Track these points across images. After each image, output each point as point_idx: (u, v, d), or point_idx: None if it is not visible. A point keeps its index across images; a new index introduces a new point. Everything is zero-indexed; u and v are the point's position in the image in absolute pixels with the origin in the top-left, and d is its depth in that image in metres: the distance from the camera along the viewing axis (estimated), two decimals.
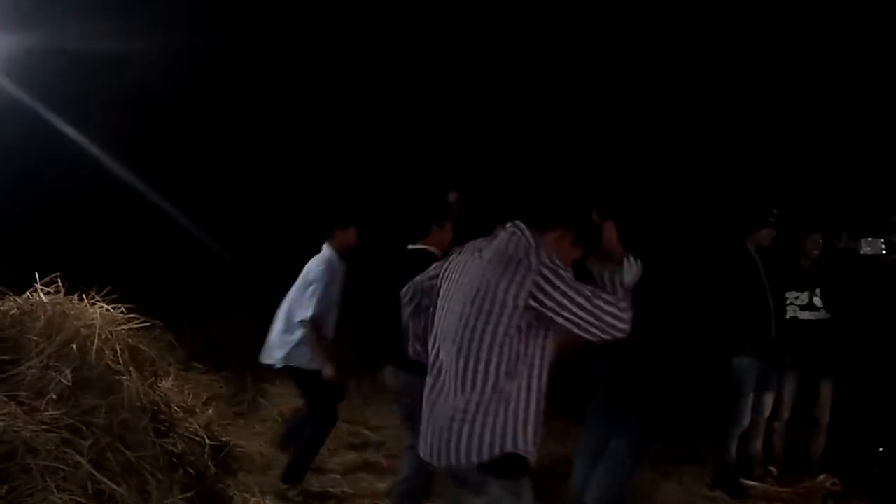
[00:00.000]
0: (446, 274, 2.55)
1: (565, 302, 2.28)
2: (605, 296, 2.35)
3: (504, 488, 2.33)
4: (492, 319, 2.31)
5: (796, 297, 4.66)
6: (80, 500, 2.65)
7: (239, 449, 4.53)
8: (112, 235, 6.94)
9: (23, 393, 3.11)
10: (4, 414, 2.82)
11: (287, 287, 4.50)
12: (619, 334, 2.33)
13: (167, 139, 7.47)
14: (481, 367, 2.32)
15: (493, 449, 2.29)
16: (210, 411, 4.61)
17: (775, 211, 4.64)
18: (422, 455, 2.48)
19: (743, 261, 4.60)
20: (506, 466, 2.31)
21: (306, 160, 8.13)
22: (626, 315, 2.33)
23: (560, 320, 2.29)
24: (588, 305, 2.28)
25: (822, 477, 4.69)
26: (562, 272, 2.32)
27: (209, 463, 3.91)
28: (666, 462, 5.08)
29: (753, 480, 4.74)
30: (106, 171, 6.54)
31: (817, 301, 4.65)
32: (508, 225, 2.49)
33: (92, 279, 3.82)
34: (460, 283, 2.45)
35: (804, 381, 4.75)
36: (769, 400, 4.74)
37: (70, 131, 6.05)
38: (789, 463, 4.88)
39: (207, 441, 4.01)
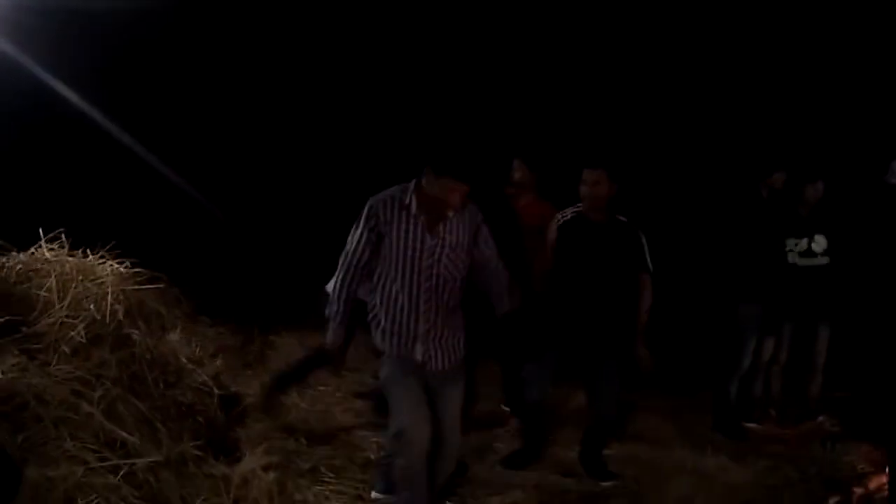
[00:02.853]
0: None
1: None
2: None
3: None
4: None
5: (795, 244, 4.68)
6: (93, 447, 2.73)
7: (248, 398, 4.62)
8: (111, 191, 6.95)
9: (35, 346, 3.19)
10: (14, 366, 2.89)
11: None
12: None
13: (162, 94, 7.40)
14: None
15: None
16: (218, 362, 4.70)
17: (784, 156, 4.66)
18: None
19: (755, 208, 4.62)
20: None
21: (299, 112, 8.06)
22: None
23: None
24: None
25: (820, 418, 4.77)
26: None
27: (218, 412, 4.01)
28: (667, 407, 5.18)
29: (753, 423, 4.83)
30: (101, 128, 6.51)
31: (815, 247, 4.67)
32: None
33: (93, 235, 3.86)
34: None
35: (802, 325, 4.80)
36: (770, 345, 4.80)
37: (61, 88, 6.01)
38: (788, 406, 4.96)
39: (216, 391, 4.11)
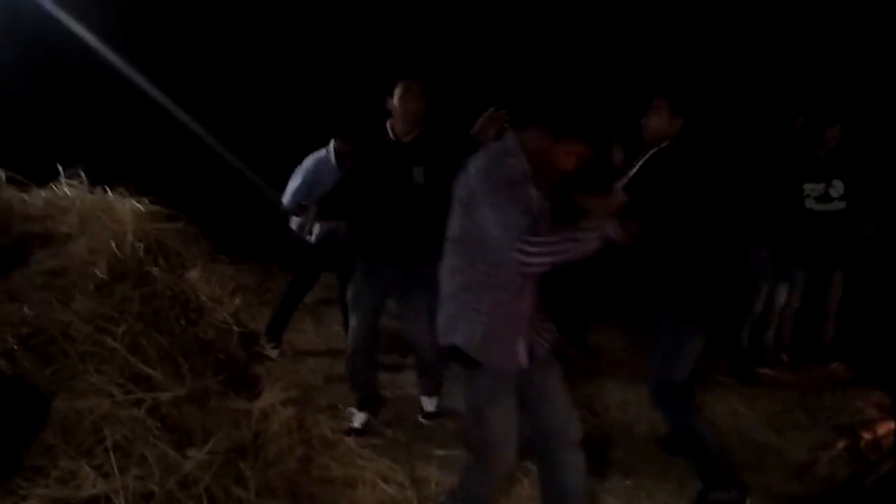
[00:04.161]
0: None
1: None
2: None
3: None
4: None
5: (812, 189, 4.62)
6: (118, 381, 2.80)
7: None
8: (131, 128, 6.93)
9: (58, 283, 3.23)
10: (41, 303, 2.93)
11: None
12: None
13: (179, 34, 7.30)
14: None
15: None
16: (237, 301, 4.75)
17: (806, 101, 4.59)
18: None
19: (774, 151, 4.56)
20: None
21: (315, 52, 7.95)
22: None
23: None
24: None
25: (832, 365, 4.80)
26: None
27: (238, 349, 4.07)
28: None
29: (765, 368, 4.87)
30: (120, 67, 6.45)
31: (833, 192, 4.62)
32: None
33: (112, 172, 3.86)
34: None
35: (816, 271, 4.78)
36: (783, 290, 4.80)
37: (81, 28, 5.94)
38: (800, 351, 4.99)
39: (236, 328, 4.17)
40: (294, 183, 4.81)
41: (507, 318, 2.50)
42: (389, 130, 3.80)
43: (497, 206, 2.32)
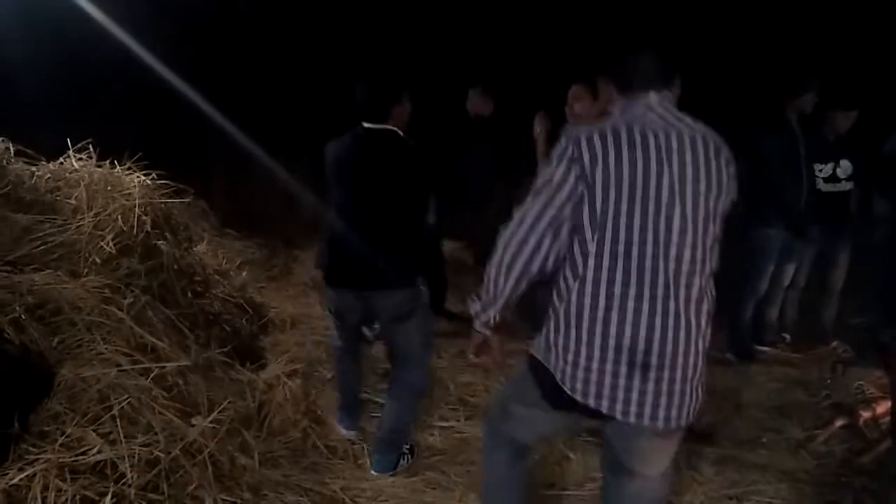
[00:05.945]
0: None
1: None
2: None
3: None
4: None
5: (820, 170, 4.60)
6: (124, 351, 2.86)
7: (272, 309, 4.76)
8: (138, 103, 6.96)
9: (65, 255, 3.29)
10: (47, 275, 3.00)
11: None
12: None
13: (193, 10, 7.30)
14: None
15: None
16: (244, 275, 4.83)
17: (815, 77, 4.52)
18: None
19: (781, 130, 4.52)
20: None
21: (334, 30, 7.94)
22: None
23: None
24: None
25: (833, 344, 4.81)
26: None
27: (244, 322, 4.16)
28: None
29: (766, 346, 4.89)
30: (124, 40, 6.46)
31: (840, 172, 4.59)
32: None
33: (121, 146, 3.90)
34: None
35: (821, 251, 4.78)
36: (790, 270, 4.80)
37: (87, 5, 5.94)
38: (802, 330, 5.00)
39: (242, 302, 4.25)
40: None
41: None
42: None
43: None
